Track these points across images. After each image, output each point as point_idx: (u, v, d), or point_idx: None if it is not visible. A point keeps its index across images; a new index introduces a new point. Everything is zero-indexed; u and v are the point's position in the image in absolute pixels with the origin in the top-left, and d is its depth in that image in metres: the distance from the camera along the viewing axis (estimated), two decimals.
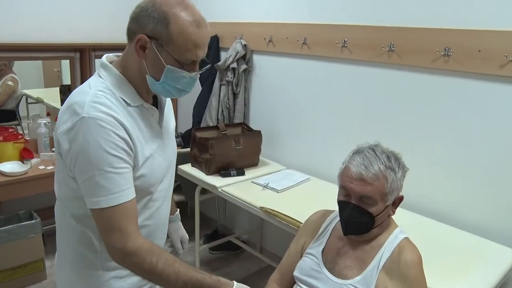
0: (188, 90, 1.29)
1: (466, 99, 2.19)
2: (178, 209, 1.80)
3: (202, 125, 3.44)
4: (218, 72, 3.37)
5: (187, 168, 3.01)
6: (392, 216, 1.55)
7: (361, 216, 1.46)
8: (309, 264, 1.60)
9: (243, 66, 3.28)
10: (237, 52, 3.25)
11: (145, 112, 1.29)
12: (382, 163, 1.44)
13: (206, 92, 3.50)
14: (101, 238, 1.27)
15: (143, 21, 1.18)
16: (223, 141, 2.91)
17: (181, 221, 1.81)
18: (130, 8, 1.23)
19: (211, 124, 3.32)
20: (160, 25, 1.15)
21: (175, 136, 4.19)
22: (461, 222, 2.29)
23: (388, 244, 1.50)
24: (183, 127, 4.20)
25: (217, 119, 3.38)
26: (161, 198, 1.41)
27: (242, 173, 2.92)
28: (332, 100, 2.83)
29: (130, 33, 1.22)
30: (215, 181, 2.80)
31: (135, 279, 1.41)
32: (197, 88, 3.61)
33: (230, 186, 2.74)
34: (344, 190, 1.49)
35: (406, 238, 1.53)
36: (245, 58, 3.30)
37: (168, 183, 1.45)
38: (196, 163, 2.98)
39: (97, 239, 1.32)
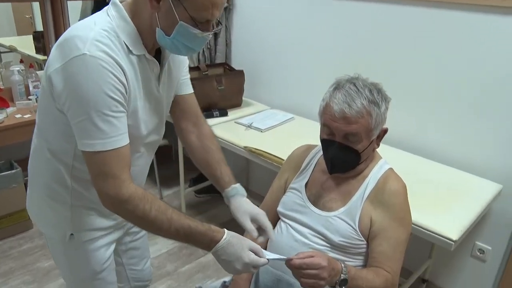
0: (197, 49, 1.23)
1: (454, 30, 2.13)
2: (238, 184, 1.53)
3: None
4: None
5: None
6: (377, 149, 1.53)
7: (347, 154, 1.42)
8: (292, 199, 1.58)
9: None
10: None
11: (145, 64, 1.23)
12: (365, 98, 1.37)
13: None
14: (71, 177, 1.28)
15: None
16: (204, 81, 2.84)
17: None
18: None
19: (192, 65, 3.22)
20: None
21: None
22: (446, 157, 2.29)
23: (373, 175, 1.49)
24: None
25: (198, 60, 3.29)
26: (145, 148, 1.39)
27: (225, 114, 2.87)
28: (315, 36, 2.74)
29: None
30: None
31: (105, 219, 1.41)
32: None
33: (213, 127, 2.65)
34: (327, 129, 1.43)
35: (391, 169, 1.52)
36: None
37: (156, 138, 1.42)
38: None
39: (68, 176, 1.30)
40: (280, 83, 3.06)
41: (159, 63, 1.29)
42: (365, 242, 1.45)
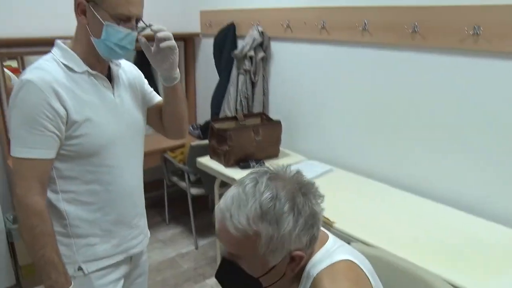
0: (129, 47, 1.41)
1: (498, 81, 2.04)
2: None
3: (221, 116, 3.36)
4: (235, 61, 3.28)
5: (206, 160, 2.93)
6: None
7: (235, 276, 1.04)
8: None
9: (261, 54, 3.18)
10: (254, 40, 3.15)
11: (93, 80, 1.43)
12: (249, 212, 0.96)
13: (224, 82, 3.42)
14: (63, 201, 1.43)
15: None
16: (241, 132, 2.83)
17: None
18: None
19: (229, 115, 3.23)
20: None
21: (194, 127, 4.10)
22: (492, 213, 2.15)
23: None
24: (201, 118, 4.14)
25: (236, 110, 3.29)
26: (118, 167, 1.50)
27: (262, 165, 2.82)
28: (353, 86, 2.71)
29: (74, 6, 1.38)
30: (235, 173, 2.71)
31: (108, 246, 1.53)
32: (215, 78, 3.54)
33: None
34: None
35: (324, 271, 1.01)
36: (262, 45, 3.20)
37: (126, 152, 1.53)
38: (214, 155, 2.91)
39: (61, 204, 1.44)
40: (318, 133, 3.02)
41: (111, 79, 1.51)
42: None
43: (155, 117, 1.70)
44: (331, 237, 1.10)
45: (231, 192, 1.01)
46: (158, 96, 1.71)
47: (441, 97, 2.27)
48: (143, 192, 1.69)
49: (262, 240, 0.95)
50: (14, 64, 3.28)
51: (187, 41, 4.13)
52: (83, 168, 1.43)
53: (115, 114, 1.48)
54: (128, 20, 1.37)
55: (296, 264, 1.01)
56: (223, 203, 1.00)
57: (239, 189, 0.99)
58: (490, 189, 2.17)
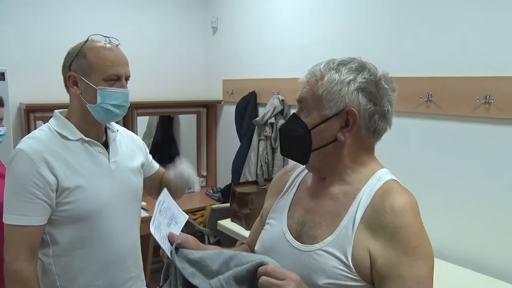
0: (125, 104, 1.48)
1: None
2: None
3: (241, 180, 3.45)
4: (256, 127, 3.41)
5: (227, 223, 2.99)
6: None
7: (293, 125, 1.14)
8: (270, 233, 1.22)
9: (281, 121, 3.31)
10: (275, 107, 3.29)
11: (87, 147, 1.48)
12: (328, 63, 1.13)
13: (245, 147, 3.53)
14: (54, 265, 1.45)
15: (67, 62, 1.45)
16: (262, 196, 2.87)
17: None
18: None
19: (250, 179, 3.32)
20: (80, 58, 1.42)
21: (214, 191, 4.16)
22: None
23: (368, 188, 1.10)
24: (222, 182, 4.22)
25: (256, 174, 3.38)
26: (111, 232, 1.51)
27: None
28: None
29: (64, 80, 1.47)
30: None
31: None
32: (236, 143, 3.66)
33: None
34: None
35: (394, 180, 1.13)
36: (282, 113, 3.34)
37: (120, 217, 1.54)
38: (235, 218, 2.97)
39: (52, 267, 1.45)
40: None
41: (108, 145, 1.54)
42: (364, 284, 1.04)
43: (156, 184, 1.80)
44: None
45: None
46: (157, 164, 1.83)
47: (456, 163, 2.33)
48: (140, 256, 1.69)
49: (325, 80, 1.09)
50: None
51: (210, 108, 4.32)
52: (75, 233, 1.44)
53: (110, 180, 1.51)
54: (119, 79, 1.44)
55: (349, 127, 1.10)
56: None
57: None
58: None
